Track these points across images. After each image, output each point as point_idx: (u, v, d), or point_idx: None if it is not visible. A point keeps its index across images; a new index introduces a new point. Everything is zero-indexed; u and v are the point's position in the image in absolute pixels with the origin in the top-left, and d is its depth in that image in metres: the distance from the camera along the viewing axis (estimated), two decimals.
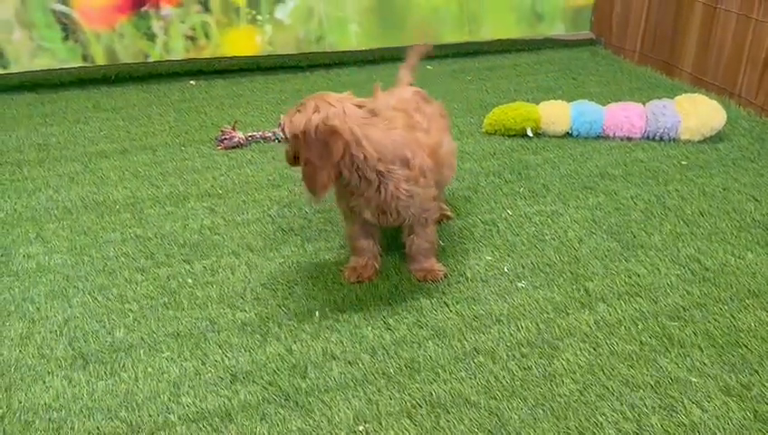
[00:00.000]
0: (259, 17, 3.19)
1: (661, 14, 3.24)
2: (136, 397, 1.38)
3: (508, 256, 1.84)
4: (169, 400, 1.37)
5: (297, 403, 1.37)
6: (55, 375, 1.44)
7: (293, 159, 1.59)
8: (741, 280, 1.72)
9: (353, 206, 1.63)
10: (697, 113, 2.48)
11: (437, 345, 1.52)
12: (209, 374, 1.44)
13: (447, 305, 1.64)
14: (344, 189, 1.61)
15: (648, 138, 2.54)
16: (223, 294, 1.69)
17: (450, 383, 1.41)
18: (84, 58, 3.04)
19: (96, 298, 1.67)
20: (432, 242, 1.74)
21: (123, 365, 1.46)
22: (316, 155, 1.49)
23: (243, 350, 1.51)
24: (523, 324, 1.58)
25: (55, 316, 1.61)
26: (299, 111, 1.52)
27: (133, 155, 2.45)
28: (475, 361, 1.47)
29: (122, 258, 1.84)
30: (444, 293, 1.69)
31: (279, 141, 2.54)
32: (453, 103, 2.88)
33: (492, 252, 1.86)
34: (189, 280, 1.75)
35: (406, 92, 1.76)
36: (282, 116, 1.56)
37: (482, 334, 1.55)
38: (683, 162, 2.36)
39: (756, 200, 2.10)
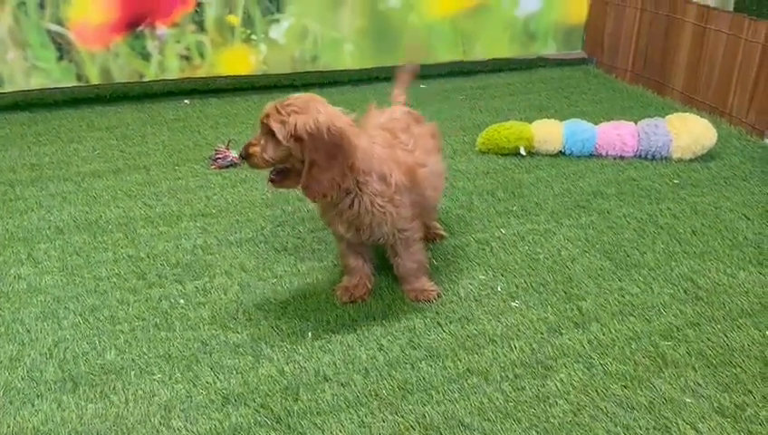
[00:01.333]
0: (254, 37, 3.21)
1: (652, 33, 3.28)
2: (126, 420, 1.37)
3: (501, 275, 1.84)
4: (160, 423, 1.36)
5: (289, 426, 1.35)
6: (44, 398, 1.42)
7: (283, 159, 1.51)
8: (733, 299, 1.73)
9: (327, 220, 1.64)
10: (689, 132, 2.50)
11: (431, 366, 1.51)
12: (200, 397, 1.43)
13: (441, 325, 1.64)
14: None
15: (640, 156, 2.56)
16: (215, 315, 1.68)
17: (443, 405, 1.40)
18: (79, 78, 3.05)
19: (87, 319, 1.66)
20: (419, 262, 1.73)
21: (113, 388, 1.45)
22: (324, 157, 1.46)
23: (235, 372, 1.49)
24: (516, 345, 1.57)
25: (45, 338, 1.60)
26: (296, 111, 1.47)
27: (126, 174, 2.45)
28: (469, 382, 1.46)
29: (114, 279, 1.83)
30: (437, 313, 1.68)
31: None
32: (446, 122, 2.90)
33: (485, 271, 1.85)
34: (181, 301, 1.74)
35: (397, 112, 1.77)
36: (271, 116, 1.49)
37: (475, 355, 1.54)
38: (675, 181, 2.37)
39: (748, 219, 2.11)
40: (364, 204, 1.55)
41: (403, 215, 1.61)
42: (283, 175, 1.56)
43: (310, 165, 1.47)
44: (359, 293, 1.73)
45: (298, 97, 1.51)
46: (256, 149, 1.52)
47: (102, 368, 1.50)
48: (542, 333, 1.61)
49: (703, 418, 1.36)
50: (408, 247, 1.68)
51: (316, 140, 1.45)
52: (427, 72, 3.47)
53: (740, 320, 1.65)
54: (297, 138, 1.47)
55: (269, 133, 1.49)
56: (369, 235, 1.61)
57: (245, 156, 1.54)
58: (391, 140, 1.63)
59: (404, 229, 1.64)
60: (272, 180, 1.57)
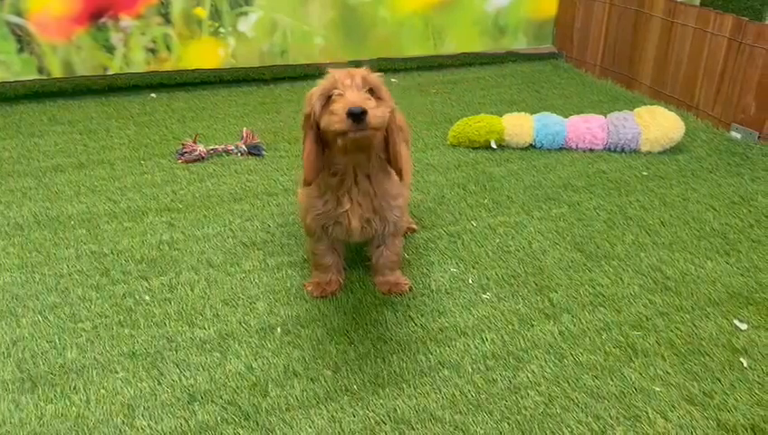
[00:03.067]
0: (222, 30, 3.15)
1: (620, 28, 3.31)
2: (87, 420, 1.32)
3: (473, 267, 1.83)
4: (123, 423, 1.32)
5: (257, 423, 1.32)
6: (2, 399, 1.37)
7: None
8: (701, 288, 1.74)
9: (334, 219, 1.55)
10: (657, 124, 2.53)
11: (402, 359, 1.49)
12: (165, 395, 1.39)
13: (412, 319, 1.62)
14: (334, 193, 1.52)
15: (609, 149, 2.57)
16: (181, 311, 1.64)
17: (415, 398, 1.39)
18: (40, 71, 2.96)
19: (47, 318, 1.61)
20: (398, 254, 1.72)
21: (74, 387, 1.40)
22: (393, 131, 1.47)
23: (201, 368, 1.46)
24: (488, 337, 1.56)
25: (3, 337, 1.54)
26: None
27: (90, 169, 2.39)
28: (440, 374, 1.45)
29: (76, 276, 1.77)
30: (408, 306, 1.67)
31: (241, 155, 2.50)
32: (418, 116, 2.88)
33: (457, 264, 1.84)
34: (146, 297, 1.69)
35: None
36: (368, 75, 1.38)
37: (447, 347, 1.53)
38: (644, 173, 2.39)
39: (715, 210, 2.14)
40: (384, 189, 1.54)
41: (406, 204, 1.62)
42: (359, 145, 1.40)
43: (395, 133, 1.46)
44: (331, 288, 1.70)
45: (336, 72, 1.41)
46: (374, 104, 1.35)
47: (63, 367, 1.45)
48: (513, 325, 1.60)
49: (672, 406, 1.37)
50: (395, 238, 1.67)
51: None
52: (399, 67, 3.46)
53: (707, 309, 1.66)
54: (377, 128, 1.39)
55: (371, 94, 1.38)
56: (377, 226, 1.57)
57: (362, 111, 1.30)
58: None
59: (401, 218, 1.62)
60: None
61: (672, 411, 1.35)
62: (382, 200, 1.55)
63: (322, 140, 1.45)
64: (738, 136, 2.70)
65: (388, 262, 1.70)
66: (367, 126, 1.33)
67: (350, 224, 1.55)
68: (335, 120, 1.34)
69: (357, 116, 1.31)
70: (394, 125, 1.47)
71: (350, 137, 1.34)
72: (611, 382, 1.43)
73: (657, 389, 1.41)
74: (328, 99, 1.38)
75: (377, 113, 1.34)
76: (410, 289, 1.72)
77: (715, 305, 1.68)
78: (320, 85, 1.40)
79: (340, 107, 1.33)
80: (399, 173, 1.51)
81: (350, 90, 1.36)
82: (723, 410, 1.36)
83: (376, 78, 1.41)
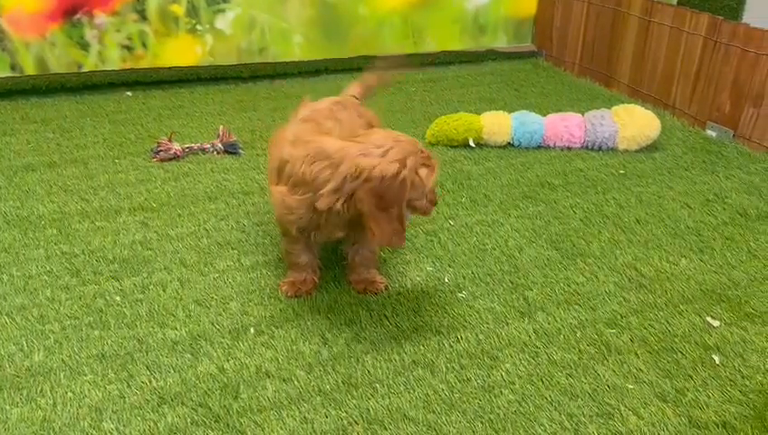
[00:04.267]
0: (199, 27, 3.12)
1: (599, 27, 3.32)
2: (53, 424, 1.29)
3: (449, 266, 1.82)
4: (90, 426, 1.29)
5: (228, 425, 1.31)
6: None
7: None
8: (675, 286, 1.75)
9: (320, 228, 1.52)
10: (633, 123, 2.54)
11: (376, 359, 1.48)
12: (135, 397, 1.36)
13: (387, 318, 1.61)
14: (318, 218, 1.49)
15: (587, 147, 2.58)
16: (152, 312, 1.61)
17: (388, 398, 1.38)
18: (12, 67, 2.91)
19: (14, 319, 1.57)
20: (374, 252, 1.70)
21: (41, 390, 1.37)
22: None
23: (172, 370, 1.44)
24: (462, 335, 1.56)
25: None
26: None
27: (62, 168, 2.35)
28: (414, 374, 1.44)
29: (45, 276, 1.74)
30: (383, 305, 1.66)
31: (217, 153, 2.48)
32: (397, 114, 2.87)
33: (433, 262, 1.84)
34: (117, 298, 1.66)
35: (322, 103, 1.72)
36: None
37: (421, 347, 1.52)
38: (621, 171, 2.40)
39: (689, 208, 2.15)
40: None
41: None
42: None
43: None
44: (306, 288, 1.68)
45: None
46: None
47: (29, 370, 1.42)
48: (488, 324, 1.60)
49: (645, 403, 1.37)
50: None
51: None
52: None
53: (681, 306, 1.67)
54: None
55: None
56: (361, 230, 1.52)
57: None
58: (316, 129, 1.57)
59: None
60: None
61: (644, 409, 1.36)
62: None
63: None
64: (713, 134, 2.73)
65: (364, 260, 1.69)
66: None
67: (330, 234, 1.54)
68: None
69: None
70: None
71: None
72: (585, 380, 1.43)
73: (630, 386, 1.41)
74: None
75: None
76: (386, 288, 1.71)
77: (688, 303, 1.69)
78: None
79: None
80: None
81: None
82: (695, 408, 1.36)
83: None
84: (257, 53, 3.26)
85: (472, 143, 2.56)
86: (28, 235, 1.93)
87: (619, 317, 1.63)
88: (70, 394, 1.36)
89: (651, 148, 2.57)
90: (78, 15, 2.92)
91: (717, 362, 1.49)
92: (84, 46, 2.97)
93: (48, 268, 1.77)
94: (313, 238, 1.59)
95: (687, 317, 1.63)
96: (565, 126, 2.57)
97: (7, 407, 1.33)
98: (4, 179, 2.25)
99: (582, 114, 2.62)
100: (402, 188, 1.38)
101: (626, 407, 1.36)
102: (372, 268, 1.72)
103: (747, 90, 2.59)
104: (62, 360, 1.45)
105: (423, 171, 1.43)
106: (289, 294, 1.68)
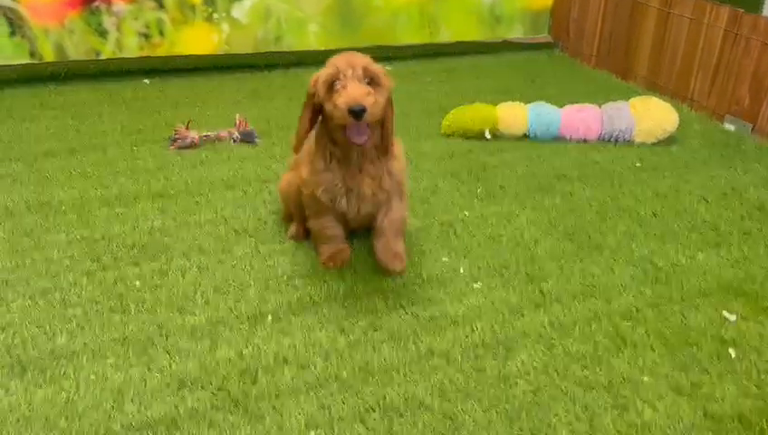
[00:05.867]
0: (215, 15, 3.13)
1: (616, 18, 3.29)
2: (77, 406, 1.32)
3: (465, 257, 1.83)
4: (112, 408, 1.32)
5: (247, 409, 1.33)
6: None
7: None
8: (691, 280, 1.75)
9: (346, 188, 1.62)
10: (651, 116, 2.52)
11: (392, 348, 1.49)
12: (155, 381, 1.39)
13: (403, 307, 1.62)
14: (341, 164, 1.60)
15: (603, 140, 2.57)
16: (172, 298, 1.63)
17: (404, 386, 1.39)
18: (32, 55, 2.93)
19: (37, 303, 1.60)
20: (403, 219, 1.75)
21: (64, 373, 1.40)
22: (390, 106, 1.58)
23: (191, 355, 1.46)
24: (478, 326, 1.56)
25: None
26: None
27: (82, 155, 2.37)
28: (430, 363, 1.45)
29: (67, 261, 1.76)
30: (399, 294, 1.67)
31: (234, 141, 2.49)
32: (412, 104, 2.87)
33: (448, 253, 1.84)
34: (137, 283, 1.69)
35: None
36: (369, 65, 1.50)
37: (437, 336, 1.53)
38: (637, 164, 2.39)
39: (707, 201, 2.14)
40: (394, 152, 1.63)
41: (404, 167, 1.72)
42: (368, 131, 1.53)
43: (391, 110, 1.57)
44: (343, 256, 1.76)
45: (351, 52, 1.52)
46: (372, 99, 1.47)
47: (52, 352, 1.45)
48: (503, 314, 1.61)
49: (660, 396, 1.38)
50: (400, 200, 1.72)
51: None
52: (394, 55, 3.44)
53: (697, 300, 1.67)
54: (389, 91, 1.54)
55: (370, 84, 1.49)
56: (386, 189, 1.65)
57: (362, 110, 1.44)
58: None
59: (403, 178, 1.71)
60: (366, 139, 1.52)
61: (660, 401, 1.36)
62: (385, 165, 1.63)
63: (324, 116, 1.57)
64: (732, 128, 2.71)
65: (393, 225, 1.71)
66: (370, 118, 1.47)
67: (362, 190, 1.61)
68: (338, 114, 1.47)
69: (357, 114, 1.45)
70: (390, 106, 1.57)
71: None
72: (600, 372, 1.44)
73: (646, 379, 1.42)
74: (331, 85, 1.49)
75: (375, 109, 1.48)
76: (401, 272, 1.74)
77: (704, 297, 1.68)
78: (324, 71, 1.51)
79: (342, 102, 1.45)
80: (386, 150, 1.61)
81: (351, 82, 1.47)
82: (710, 401, 1.37)
83: (376, 66, 1.51)
84: (273, 42, 3.26)
85: (488, 134, 2.56)
86: (49, 220, 1.95)
87: (634, 310, 1.63)
88: (92, 377, 1.39)
89: (668, 141, 2.55)
90: (96, 3, 2.94)
91: (733, 356, 1.49)
92: (102, 34, 2.99)
93: (69, 253, 1.80)
94: (339, 206, 1.64)
95: (704, 311, 1.63)
96: (582, 118, 2.56)
97: (32, 388, 1.36)
98: (24, 165, 2.28)
99: (599, 106, 2.61)
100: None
101: (641, 399, 1.37)
102: (400, 237, 1.75)
103: (767, 83, 2.56)
104: (85, 343, 1.48)
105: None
106: (334, 265, 1.75)
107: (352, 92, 1.45)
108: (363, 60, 1.50)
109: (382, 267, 1.72)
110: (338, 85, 1.48)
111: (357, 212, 1.66)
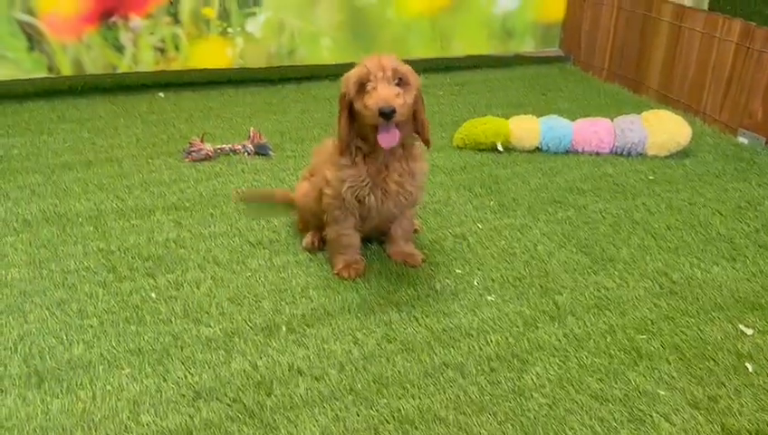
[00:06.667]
0: (230, 30, 3.17)
1: (628, 32, 3.30)
2: (93, 416, 1.33)
3: (478, 269, 1.83)
4: (128, 418, 1.32)
5: (262, 421, 1.33)
6: (8, 393, 1.38)
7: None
8: (707, 293, 1.74)
9: (372, 185, 1.65)
10: (663, 129, 2.52)
11: (406, 360, 1.49)
12: (171, 391, 1.39)
13: (417, 319, 1.62)
14: (368, 161, 1.65)
15: (616, 153, 2.57)
16: (187, 309, 1.65)
17: (419, 399, 1.39)
18: (50, 69, 2.98)
19: (54, 313, 1.62)
20: (413, 224, 1.85)
21: (80, 383, 1.41)
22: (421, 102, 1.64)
23: (206, 366, 1.46)
24: (492, 338, 1.56)
25: (10, 332, 1.55)
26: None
27: (98, 167, 2.40)
28: (444, 375, 1.45)
29: (83, 272, 1.78)
30: (413, 306, 1.67)
31: (248, 154, 2.51)
32: None
33: (462, 265, 1.84)
34: (153, 294, 1.70)
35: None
36: (399, 67, 1.56)
37: (451, 349, 1.53)
38: (650, 177, 2.39)
39: (721, 215, 2.13)
40: (416, 157, 1.70)
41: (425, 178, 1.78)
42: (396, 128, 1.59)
43: (422, 108, 1.63)
44: (360, 266, 1.78)
45: (380, 55, 1.57)
46: (401, 101, 1.54)
47: (69, 363, 1.46)
48: (517, 327, 1.60)
49: (677, 410, 1.37)
50: (412, 208, 1.79)
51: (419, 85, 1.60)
52: None
53: (713, 314, 1.66)
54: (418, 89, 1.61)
55: (399, 84, 1.55)
56: (406, 199, 1.70)
57: (392, 111, 1.51)
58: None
59: (421, 188, 1.76)
60: (394, 135, 1.57)
61: (676, 415, 1.35)
62: (409, 165, 1.69)
63: (353, 114, 1.62)
64: (745, 141, 2.70)
65: (405, 230, 1.81)
66: (399, 117, 1.54)
67: (388, 186, 1.65)
68: (368, 114, 1.54)
69: (388, 115, 1.51)
70: (420, 100, 1.63)
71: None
72: (616, 386, 1.43)
73: (662, 392, 1.41)
74: (362, 85, 1.55)
75: (404, 110, 1.55)
76: (424, 261, 1.82)
77: (720, 310, 1.68)
78: (355, 71, 1.57)
79: (372, 103, 1.52)
80: (427, 142, 1.69)
81: (381, 83, 1.53)
82: (727, 415, 1.36)
83: (404, 67, 1.57)
84: (286, 55, 3.29)
85: (500, 147, 2.57)
86: (66, 231, 1.98)
87: (650, 323, 1.63)
88: (108, 387, 1.40)
89: (681, 154, 2.55)
90: (113, 18, 2.98)
91: (751, 370, 1.48)
92: (119, 48, 3.04)
93: (86, 264, 1.81)
94: (367, 203, 1.68)
95: (720, 325, 1.62)
96: (594, 131, 2.56)
97: (48, 398, 1.37)
98: (42, 177, 2.31)
99: (611, 119, 2.61)
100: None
101: (657, 413, 1.36)
102: (410, 241, 1.84)
103: None
104: (101, 353, 1.49)
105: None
106: (351, 276, 1.76)
107: (383, 94, 1.51)
108: (393, 61, 1.56)
109: (400, 263, 1.83)
110: (369, 86, 1.54)
111: (381, 205, 1.69)
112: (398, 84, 1.55)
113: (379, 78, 1.53)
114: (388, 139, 1.56)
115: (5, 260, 1.82)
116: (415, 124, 1.66)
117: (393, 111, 1.51)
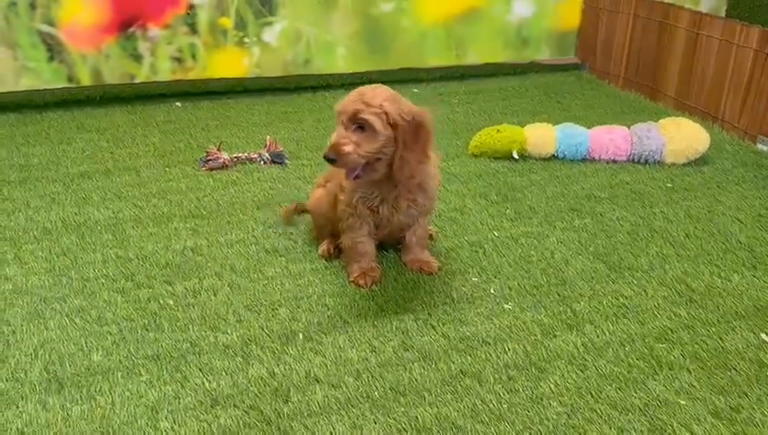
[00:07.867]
0: (246, 39, 3.20)
1: (645, 39, 3.29)
2: (112, 422, 1.34)
3: (495, 277, 1.82)
4: (147, 425, 1.33)
5: (279, 428, 1.33)
6: (29, 400, 1.39)
7: (378, 151, 1.56)
8: (727, 302, 1.72)
9: (381, 198, 1.67)
10: (681, 136, 2.50)
11: (423, 368, 1.49)
12: (189, 398, 1.40)
13: (434, 327, 1.62)
14: (384, 184, 1.66)
15: (633, 160, 2.55)
16: (204, 316, 1.65)
17: (436, 407, 1.38)
18: (69, 79, 3.02)
19: (74, 320, 1.63)
20: (427, 232, 1.86)
21: (100, 389, 1.42)
22: (412, 139, 1.57)
23: (224, 373, 1.47)
24: (510, 347, 1.55)
25: (30, 339, 1.56)
26: (385, 100, 1.54)
27: (116, 176, 2.42)
28: (462, 384, 1.44)
29: (102, 280, 1.80)
30: (430, 314, 1.67)
31: (264, 163, 2.53)
32: (439, 126, 2.87)
33: (478, 273, 1.84)
34: (170, 302, 1.71)
35: None
36: (362, 110, 1.54)
37: (468, 357, 1.52)
38: (668, 185, 2.37)
39: (741, 222, 2.11)
40: (428, 175, 1.70)
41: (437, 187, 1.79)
42: (366, 168, 1.59)
43: (403, 149, 1.56)
44: (375, 274, 1.78)
45: (373, 88, 1.58)
46: (350, 148, 1.53)
47: (89, 369, 1.47)
48: (535, 335, 1.59)
49: (698, 420, 1.35)
50: (426, 217, 1.82)
51: (408, 124, 1.55)
52: (421, 77, 3.47)
53: (734, 322, 1.64)
54: (393, 125, 1.55)
55: (361, 128, 1.55)
56: (420, 207, 1.72)
57: (336, 156, 1.53)
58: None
59: (433, 199, 1.77)
60: (357, 177, 1.59)
61: (698, 425, 1.34)
62: (420, 183, 1.69)
63: None
64: (765, 148, 2.67)
65: (419, 238, 1.82)
66: (342, 166, 1.56)
67: (399, 203, 1.68)
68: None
69: (329, 161, 1.55)
70: (399, 143, 1.57)
71: None
72: (635, 395, 1.41)
73: (683, 402, 1.39)
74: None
75: (350, 158, 1.53)
76: (439, 269, 1.82)
77: (741, 319, 1.65)
78: (337, 104, 1.59)
79: (327, 144, 1.56)
80: (407, 180, 1.64)
81: (338, 127, 1.56)
82: (750, 425, 1.34)
83: (367, 113, 1.53)
84: (302, 64, 3.32)
85: (515, 155, 2.56)
86: (85, 239, 2.00)
87: (669, 332, 1.61)
88: (127, 393, 1.41)
89: (699, 161, 2.53)
90: (132, 29, 3.02)
91: None
92: (137, 58, 3.07)
93: (104, 272, 1.83)
94: (380, 213, 1.70)
95: (741, 334, 1.60)
96: (611, 138, 2.55)
97: (68, 404, 1.38)
98: (62, 186, 2.33)
99: (628, 127, 2.60)
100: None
101: (678, 423, 1.34)
102: (425, 249, 1.85)
103: None
104: (120, 360, 1.50)
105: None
106: (366, 284, 1.76)
107: (333, 139, 1.55)
108: (356, 105, 1.54)
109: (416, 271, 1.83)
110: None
111: (392, 217, 1.71)
112: (359, 128, 1.54)
113: (337, 120, 1.56)
114: (350, 176, 1.58)
115: (26, 268, 1.85)
116: (390, 167, 1.60)
117: (334, 160, 1.53)
